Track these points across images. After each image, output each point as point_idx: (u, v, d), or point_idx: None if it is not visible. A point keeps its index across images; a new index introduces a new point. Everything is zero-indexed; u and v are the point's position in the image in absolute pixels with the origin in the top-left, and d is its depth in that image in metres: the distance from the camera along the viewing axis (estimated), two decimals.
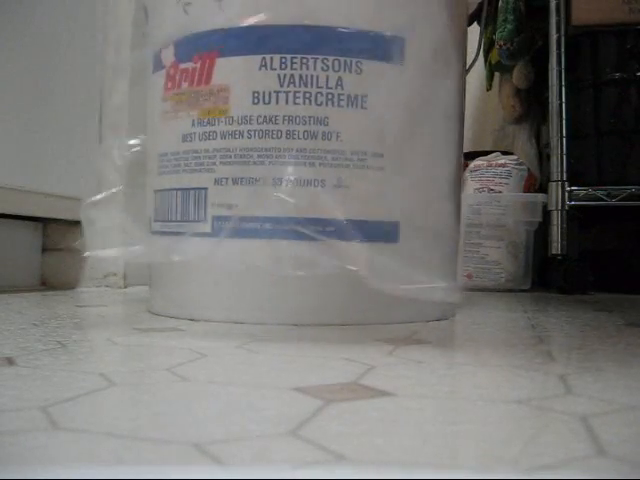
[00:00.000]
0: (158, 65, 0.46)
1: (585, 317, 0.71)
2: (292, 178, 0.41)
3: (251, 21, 0.42)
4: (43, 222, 0.90)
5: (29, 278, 0.88)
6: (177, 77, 0.43)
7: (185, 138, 0.44)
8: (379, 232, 0.39)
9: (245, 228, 0.41)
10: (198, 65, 0.43)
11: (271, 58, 0.42)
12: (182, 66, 0.43)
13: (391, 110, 0.41)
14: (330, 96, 0.41)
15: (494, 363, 0.39)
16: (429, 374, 0.34)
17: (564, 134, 1.19)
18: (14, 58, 0.78)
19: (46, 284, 0.89)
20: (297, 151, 0.41)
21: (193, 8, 0.45)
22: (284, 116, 0.41)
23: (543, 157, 1.39)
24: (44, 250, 0.91)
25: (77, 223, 0.92)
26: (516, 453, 0.22)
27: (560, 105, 1.19)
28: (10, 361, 0.34)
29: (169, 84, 0.44)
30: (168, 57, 0.45)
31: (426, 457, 0.21)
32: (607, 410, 0.28)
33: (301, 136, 0.41)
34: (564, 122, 1.19)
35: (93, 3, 0.91)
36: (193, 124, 0.44)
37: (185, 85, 0.44)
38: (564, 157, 1.19)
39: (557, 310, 0.81)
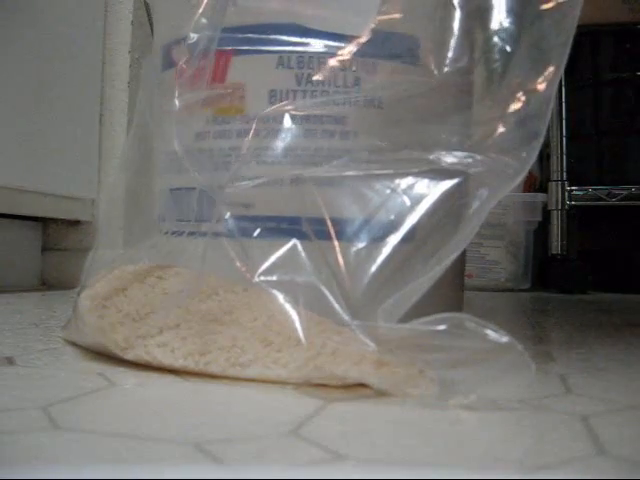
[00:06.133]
0: (168, 62, 0.45)
1: (585, 317, 0.71)
2: (310, 177, 0.40)
3: (267, 19, 0.42)
4: (43, 222, 0.90)
5: (29, 278, 0.88)
6: (191, 75, 0.43)
7: (199, 136, 0.44)
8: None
9: (263, 228, 0.41)
10: (213, 62, 0.43)
11: (288, 57, 0.42)
12: (196, 63, 0.42)
13: (406, 109, 0.41)
14: (348, 94, 0.41)
15: None
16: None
17: (564, 134, 1.19)
18: (14, 58, 0.78)
19: (46, 284, 0.89)
20: (315, 150, 0.41)
21: None
22: (302, 115, 0.41)
23: (543, 157, 1.39)
24: (44, 250, 0.91)
25: (77, 222, 0.92)
26: (516, 453, 0.22)
27: (560, 105, 1.19)
28: (10, 361, 0.34)
29: (182, 82, 0.43)
30: (180, 54, 0.44)
31: (426, 457, 0.21)
32: (607, 410, 0.28)
33: (319, 135, 0.41)
34: (564, 122, 1.19)
35: (95, 4, 0.91)
36: (207, 122, 0.44)
37: (199, 83, 0.43)
38: (564, 157, 1.19)
39: (557, 310, 0.81)
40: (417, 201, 0.37)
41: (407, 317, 0.31)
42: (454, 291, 0.49)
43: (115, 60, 0.93)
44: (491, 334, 0.29)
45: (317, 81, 0.41)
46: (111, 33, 0.93)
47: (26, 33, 0.79)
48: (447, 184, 0.37)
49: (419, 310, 0.31)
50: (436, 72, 0.40)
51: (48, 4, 0.83)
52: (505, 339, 0.29)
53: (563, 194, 1.19)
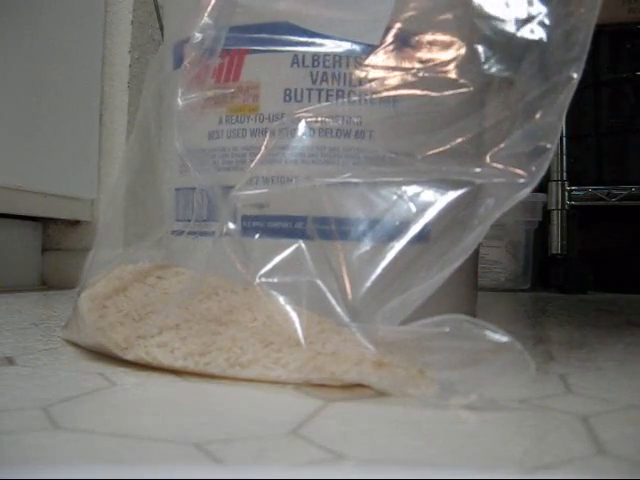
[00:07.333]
0: (180, 61, 0.45)
1: (585, 317, 0.71)
2: (325, 177, 0.40)
3: (282, 18, 0.42)
4: (43, 222, 0.90)
5: (29, 278, 0.88)
6: (203, 73, 0.43)
7: (212, 135, 0.44)
8: (414, 232, 0.38)
9: (276, 228, 0.41)
10: (226, 61, 0.43)
11: (303, 55, 0.42)
12: (208, 62, 0.42)
13: (420, 107, 0.41)
14: (362, 94, 0.41)
15: None
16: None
17: (564, 134, 1.19)
18: (14, 58, 0.77)
19: (46, 284, 0.89)
20: (330, 149, 0.41)
21: None
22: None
23: None
24: (44, 250, 0.91)
25: (77, 222, 0.92)
26: (516, 453, 0.22)
27: None
28: (10, 361, 0.34)
29: (193, 80, 0.43)
30: (191, 52, 0.44)
31: (426, 457, 0.21)
32: (607, 410, 0.28)
33: (334, 134, 0.41)
34: (564, 122, 1.19)
35: (95, 4, 0.91)
36: (220, 121, 0.43)
37: (211, 82, 0.43)
38: (564, 157, 1.19)
39: (557, 310, 0.81)
40: (423, 208, 0.37)
41: (419, 316, 0.31)
42: (467, 290, 0.49)
43: (115, 60, 0.93)
44: (491, 334, 0.29)
45: (332, 80, 0.41)
46: (111, 33, 0.93)
47: (26, 33, 0.79)
48: (454, 194, 0.37)
49: (431, 309, 0.31)
50: (451, 78, 0.40)
51: (48, 4, 0.83)
52: (505, 339, 0.29)
53: (563, 194, 1.19)
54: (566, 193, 1.19)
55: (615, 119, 1.19)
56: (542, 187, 1.28)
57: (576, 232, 1.20)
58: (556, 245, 1.19)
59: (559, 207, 1.19)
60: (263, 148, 0.40)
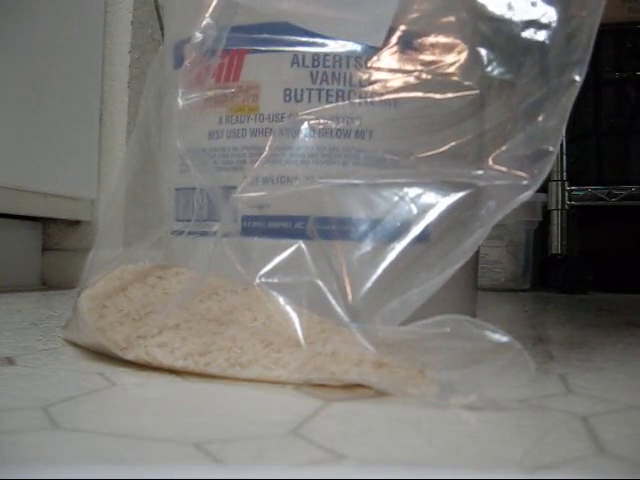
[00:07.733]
0: (180, 61, 0.45)
1: (585, 317, 0.71)
2: (325, 177, 0.40)
3: (282, 18, 0.42)
4: (43, 222, 0.90)
5: (29, 278, 0.88)
6: (203, 73, 0.43)
7: (212, 135, 0.44)
8: (415, 233, 0.38)
9: (277, 228, 0.41)
10: (226, 61, 0.43)
11: (303, 55, 0.42)
12: (209, 62, 0.42)
13: (421, 109, 0.41)
14: (363, 94, 0.41)
15: None
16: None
17: (564, 134, 1.19)
18: (14, 58, 0.77)
19: (46, 284, 0.89)
20: (330, 149, 0.41)
21: None
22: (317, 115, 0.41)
23: None
24: (44, 250, 0.91)
25: (77, 222, 0.92)
26: (516, 453, 0.22)
27: None
28: (10, 361, 0.34)
29: (194, 80, 0.43)
30: (192, 52, 0.44)
31: (426, 457, 0.21)
32: (607, 410, 0.28)
33: (334, 134, 0.41)
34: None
35: (95, 4, 0.91)
36: (221, 121, 0.43)
37: (212, 81, 0.43)
38: (564, 157, 1.19)
39: (557, 310, 0.81)
40: (424, 210, 0.37)
41: (419, 316, 0.31)
42: (467, 290, 0.49)
43: (115, 60, 0.93)
44: (490, 334, 0.29)
45: (332, 80, 0.41)
46: (111, 33, 0.93)
47: (26, 33, 0.79)
48: (455, 196, 0.37)
49: (431, 309, 0.31)
50: (455, 81, 0.40)
51: (48, 4, 0.83)
52: (505, 339, 0.29)
53: (563, 194, 1.19)
54: (566, 193, 1.19)
55: (615, 119, 1.19)
56: (542, 187, 1.28)
57: (576, 232, 1.20)
58: (556, 245, 1.20)
59: (559, 207, 1.19)
60: (267, 148, 0.40)
